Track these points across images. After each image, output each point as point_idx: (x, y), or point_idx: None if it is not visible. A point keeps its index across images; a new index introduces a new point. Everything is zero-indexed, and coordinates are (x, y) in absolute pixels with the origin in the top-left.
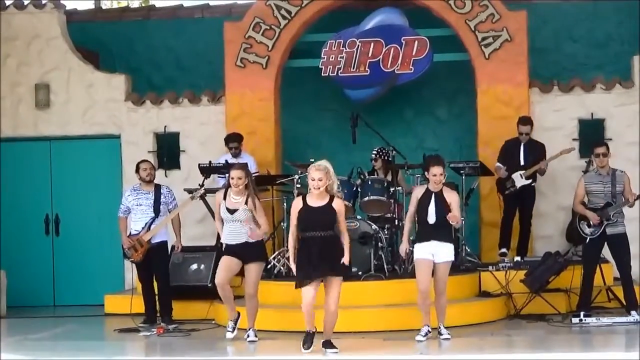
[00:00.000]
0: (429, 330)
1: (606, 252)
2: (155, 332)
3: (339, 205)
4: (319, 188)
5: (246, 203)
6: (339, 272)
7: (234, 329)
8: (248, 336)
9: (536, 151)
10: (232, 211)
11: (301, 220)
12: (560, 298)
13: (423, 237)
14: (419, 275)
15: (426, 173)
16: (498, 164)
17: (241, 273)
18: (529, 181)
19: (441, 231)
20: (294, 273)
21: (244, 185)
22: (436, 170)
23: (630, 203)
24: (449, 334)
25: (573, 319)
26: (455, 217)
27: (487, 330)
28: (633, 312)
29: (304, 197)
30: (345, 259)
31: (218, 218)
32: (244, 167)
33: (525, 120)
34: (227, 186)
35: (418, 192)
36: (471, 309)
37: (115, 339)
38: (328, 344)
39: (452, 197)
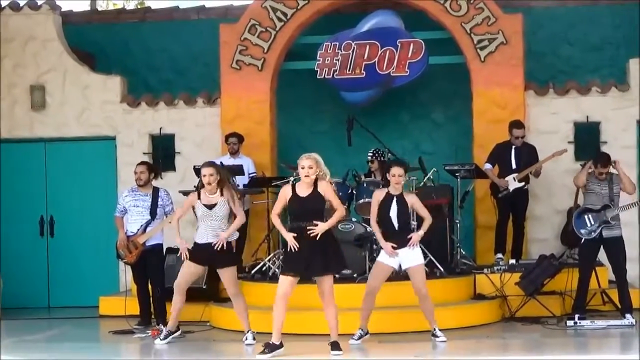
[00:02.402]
0: (362, 335)
1: (601, 255)
2: (149, 333)
3: (323, 187)
4: (309, 176)
5: (222, 195)
6: (332, 270)
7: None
8: (246, 339)
9: (528, 154)
10: (210, 206)
11: (292, 211)
12: (555, 301)
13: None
14: (370, 275)
15: (387, 175)
16: (487, 164)
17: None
18: (522, 184)
19: (405, 235)
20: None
21: (216, 182)
22: (396, 170)
23: (633, 203)
24: (444, 336)
25: (568, 321)
26: (414, 241)
27: (482, 333)
28: (628, 315)
29: (294, 186)
30: (320, 227)
31: (177, 215)
32: (213, 164)
33: (520, 124)
34: (200, 187)
35: (379, 194)
36: (466, 311)
37: (110, 340)
38: (334, 346)
39: (412, 199)
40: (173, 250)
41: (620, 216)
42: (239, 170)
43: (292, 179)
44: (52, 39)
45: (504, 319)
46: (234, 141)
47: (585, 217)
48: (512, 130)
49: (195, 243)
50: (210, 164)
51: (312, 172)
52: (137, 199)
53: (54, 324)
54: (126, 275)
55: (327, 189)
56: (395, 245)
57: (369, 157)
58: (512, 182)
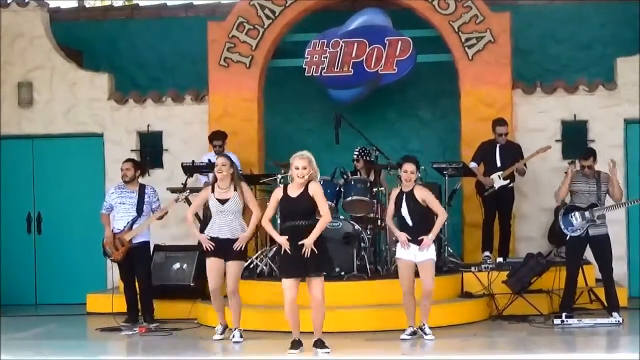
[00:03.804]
0: (414, 331)
1: (588, 253)
2: (137, 331)
3: (314, 188)
4: (304, 177)
5: (235, 190)
6: (322, 270)
7: (222, 332)
8: (233, 336)
9: (512, 152)
10: (222, 201)
11: (282, 211)
12: (542, 299)
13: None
14: (400, 276)
15: (399, 171)
16: (472, 163)
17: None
18: (507, 182)
19: (421, 231)
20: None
21: (229, 174)
22: (407, 166)
23: (620, 203)
24: (432, 334)
25: (555, 320)
26: (426, 244)
27: (469, 331)
28: (615, 314)
29: (285, 187)
30: (307, 242)
31: (192, 209)
32: (228, 157)
33: (503, 122)
34: (214, 181)
35: (393, 193)
36: (453, 309)
37: (97, 338)
38: (319, 344)
39: (423, 193)
40: (160, 248)
41: (608, 215)
42: None
43: (279, 176)
44: (39, 35)
45: (491, 317)
46: (219, 143)
47: (572, 215)
48: (495, 127)
49: (210, 237)
50: (226, 155)
51: (305, 173)
52: (124, 196)
53: (41, 322)
54: (113, 273)
55: (317, 191)
56: (409, 238)
57: (355, 156)
58: (497, 180)
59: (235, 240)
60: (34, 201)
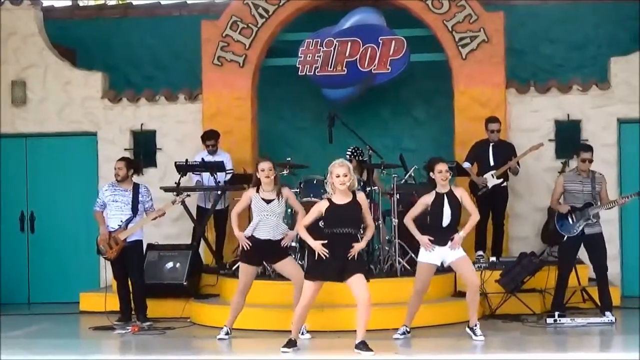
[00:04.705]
0: (407, 330)
1: (581, 253)
2: (130, 330)
3: (362, 199)
4: (345, 184)
5: (280, 193)
6: (364, 271)
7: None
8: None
9: (506, 151)
10: (267, 201)
11: (329, 218)
12: (535, 298)
13: (433, 242)
14: (418, 276)
15: (431, 174)
16: (466, 163)
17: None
18: (500, 180)
19: (452, 232)
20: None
21: (274, 177)
22: (442, 166)
23: (610, 206)
24: (483, 335)
25: (548, 319)
26: (457, 243)
27: (462, 330)
28: (607, 313)
29: (329, 199)
30: (357, 246)
31: (236, 209)
32: (270, 159)
33: (495, 118)
34: (257, 184)
35: (427, 198)
36: (447, 308)
37: (90, 337)
38: (363, 346)
39: (460, 192)
40: (153, 247)
41: (601, 214)
42: (220, 166)
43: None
44: (33, 34)
45: (484, 317)
46: (212, 143)
47: (569, 216)
48: (488, 124)
49: (252, 236)
50: (267, 158)
51: (347, 180)
52: (117, 194)
53: (34, 320)
54: (106, 272)
55: (365, 202)
56: (432, 239)
57: (347, 156)
58: (491, 179)
59: (276, 241)
60: (27, 200)
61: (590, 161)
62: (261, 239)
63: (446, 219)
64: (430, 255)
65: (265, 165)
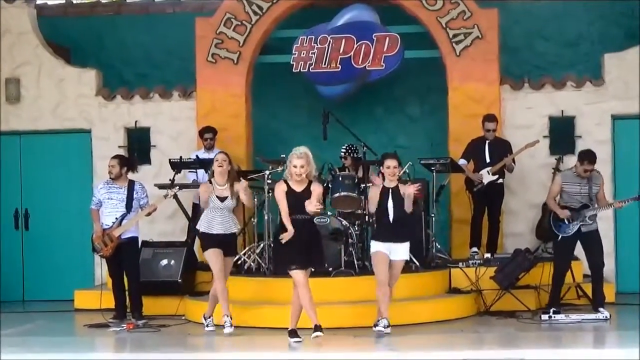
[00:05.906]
0: (388, 323)
1: (577, 249)
2: (125, 327)
3: (315, 188)
4: (301, 175)
5: (232, 186)
6: (324, 265)
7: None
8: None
9: (501, 148)
10: (221, 199)
11: (290, 205)
12: (530, 295)
13: (380, 236)
14: (378, 267)
15: (381, 168)
16: (462, 160)
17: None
18: (496, 177)
19: (399, 230)
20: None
21: (226, 171)
22: (390, 162)
23: (607, 209)
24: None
25: (542, 315)
26: (409, 207)
27: (457, 327)
28: (601, 309)
29: (285, 181)
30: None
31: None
32: (228, 154)
33: (492, 117)
34: (210, 177)
35: (375, 190)
36: (441, 305)
37: (85, 334)
38: (317, 328)
39: (403, 188)
40: (148, 244)
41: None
42: None
43: (267, 172)
44: (27, 31)
45: (479, 313)
46: (210, 136)
47: (565, 218)
48: (484, 123)
49: (206, 233)
50: (225, 152)
51: (303, 171)
52: (112, 191)
53: (29, 318)
54: (101, 269)
55: (315, 191)
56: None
57: (342, 153)
58: (486, 176)
59: (232, 233)
60: (22, 197)
61: (592, 170)
62: (220, 233)
63: (390, 214)
64: (379, 245)
65: (220, 156)
